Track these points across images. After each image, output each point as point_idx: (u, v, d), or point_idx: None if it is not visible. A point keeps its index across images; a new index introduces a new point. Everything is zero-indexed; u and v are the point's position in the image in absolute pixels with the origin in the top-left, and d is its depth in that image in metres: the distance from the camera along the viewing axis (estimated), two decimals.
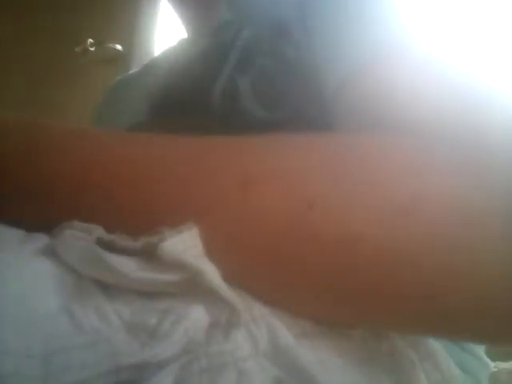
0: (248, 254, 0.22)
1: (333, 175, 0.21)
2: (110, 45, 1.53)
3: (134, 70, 0.63)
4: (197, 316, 0.19)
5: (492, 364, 0.37)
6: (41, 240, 0.22)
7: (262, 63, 0.32)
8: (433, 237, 0.20)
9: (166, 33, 1.55)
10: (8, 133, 0.26)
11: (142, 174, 0.24)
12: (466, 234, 0.20)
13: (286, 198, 0.21)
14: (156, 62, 0.56)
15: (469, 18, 0.28)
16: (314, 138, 0.24)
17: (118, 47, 1.53)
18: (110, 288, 0.21)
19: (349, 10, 0.28)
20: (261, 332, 0.21)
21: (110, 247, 0.21)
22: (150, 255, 0.20)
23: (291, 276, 0.22)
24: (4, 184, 0.24)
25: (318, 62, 0.28)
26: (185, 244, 0.20)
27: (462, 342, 0.34)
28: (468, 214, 0.20)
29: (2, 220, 0.22)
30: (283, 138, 0.24)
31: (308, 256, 0.21)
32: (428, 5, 0.28)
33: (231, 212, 0.22)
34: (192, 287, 0.20)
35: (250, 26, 0.34)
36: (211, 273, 0.19)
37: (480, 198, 0.21)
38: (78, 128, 0.27)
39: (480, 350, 0.36)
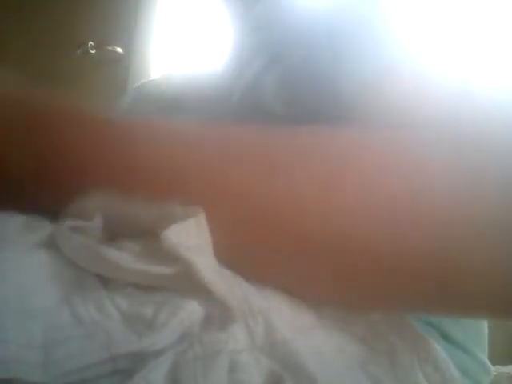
0: (255, 237, 0.22)
1: (336, 168, 0.23)
2: (111, 47, 1.54)
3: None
4: (192, 307, 0.19)
5: (492, 368, 0.37)
6: (44, 230, 0.22)
7: (288, 64, 0.33)
8: (425, 233, 0.21)
9: (165, 35, 1.55)
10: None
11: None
12: (464, 233, 0.21)
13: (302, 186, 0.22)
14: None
15: (470, 21, 0.29)
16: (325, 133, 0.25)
17: (119, 50, 1.54)
18: (108, 281, 0.21)
19: (373, 32, 0.30)
20: (258, 326, 0.21)
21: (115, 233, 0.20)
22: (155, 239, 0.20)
23: (300, 257, 0.22)
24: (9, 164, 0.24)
25: (341, 65, 0.29)
26: (189, 232, 0.19)
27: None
28: (466, 212, 0.21)
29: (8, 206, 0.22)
30: (310, 131, 0.25)
31: (314, 238, 0.22)
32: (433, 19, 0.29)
33: (248, 199, 0.22)
34: (185, 282, 0.19)
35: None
36: (205, 268, 0.19)
37: (477, 196, 0.21)
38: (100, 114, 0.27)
39: (482, 353, 0.35)
